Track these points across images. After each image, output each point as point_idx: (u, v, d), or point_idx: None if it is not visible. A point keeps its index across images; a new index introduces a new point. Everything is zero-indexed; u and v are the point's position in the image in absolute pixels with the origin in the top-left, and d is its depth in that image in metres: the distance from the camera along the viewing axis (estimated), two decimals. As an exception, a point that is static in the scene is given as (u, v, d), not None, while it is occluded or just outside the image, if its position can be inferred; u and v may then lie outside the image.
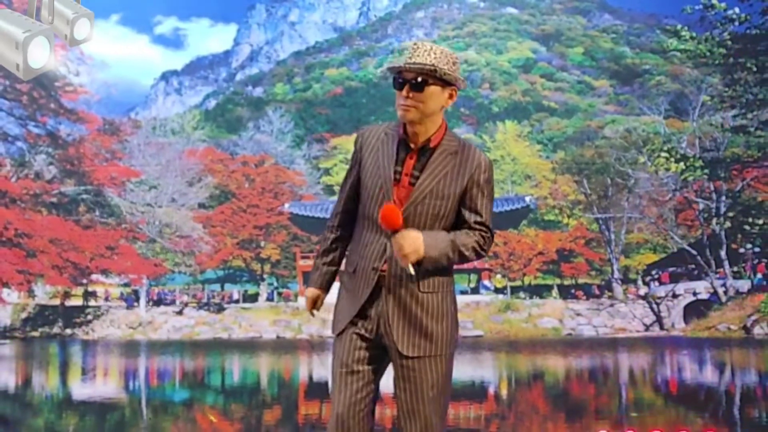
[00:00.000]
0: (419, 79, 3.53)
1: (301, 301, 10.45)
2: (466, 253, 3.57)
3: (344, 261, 3.88)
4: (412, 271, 3.50)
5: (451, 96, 3.65)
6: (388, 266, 3.70)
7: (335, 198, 4.00)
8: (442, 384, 3.79)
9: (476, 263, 10.91)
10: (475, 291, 13.63)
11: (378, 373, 3.81)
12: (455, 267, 3.80)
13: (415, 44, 3.55)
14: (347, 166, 3.80)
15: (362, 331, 3.74)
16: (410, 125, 3.60)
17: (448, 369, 3.82)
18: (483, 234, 3.65)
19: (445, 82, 3.58)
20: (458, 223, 3.68)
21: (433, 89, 3.54)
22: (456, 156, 3.62)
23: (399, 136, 3.67)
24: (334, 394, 3.77)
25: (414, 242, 3.47)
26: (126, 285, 13.24)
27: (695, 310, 11.25)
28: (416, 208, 3.62)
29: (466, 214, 3.65)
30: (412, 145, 3.64)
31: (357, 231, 3.79)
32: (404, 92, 3.51)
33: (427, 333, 3.62)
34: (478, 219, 3.63)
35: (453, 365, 3.84)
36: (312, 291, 3.76)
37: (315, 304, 3.75)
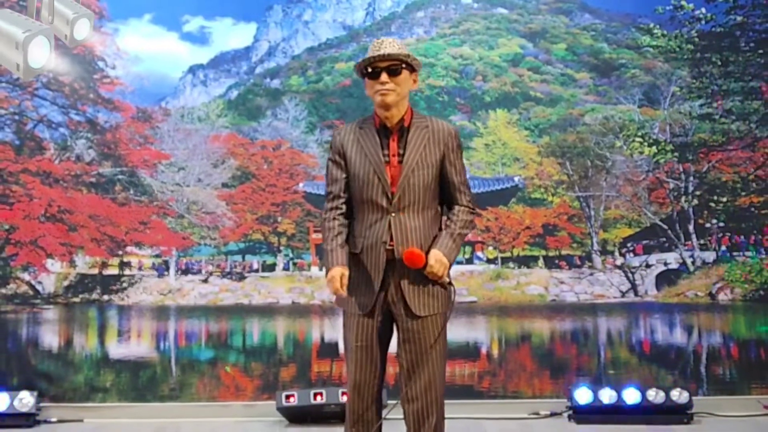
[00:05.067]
0: (395, 66, 3.77)
1: (314, 270, 10.52)
2: (467, 232, 3.90)
3: None
4: (447, 280, 3.81)
5: (414, 81, 3.91)
6: (394, 239, 3.78)
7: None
8: (442, 341, 3.86)
9: (470, 236, 10.99)
10: (469, 261, 13.48)
11: (388, 343, 3.90)
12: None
13: (379, 41, 3.80)
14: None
15: (369, 307, 3.84)
16: (387, 109, 3.79)
17: (445, 327, 3.89)
18: (468, 203, 3.95)
19: (411, 68, 3.85)
20: (443, 190, 3.96)
21: (405, 74, 3.79)
22: (428, 129, 3.86)
23: (375, 125, 3.85)
24: (352, 364, 3.86)
25: (441, 263, 3.74)
26: (157, 256, 13.14)
27: (666, 278, 11.18)
28: (409, 181, 3.76)
29: (451, 177, 3.91)
30: (390, 128, 3.84)
31: (356, 216, 3.93)
32: (382, 78, 3.72)
33: (432, 293, 3.82)
34: (461, 179, 3.93)
35: (447, 326, 3.93)
36: (338, 269, 3.84)
37: (342, 281, 3.79)
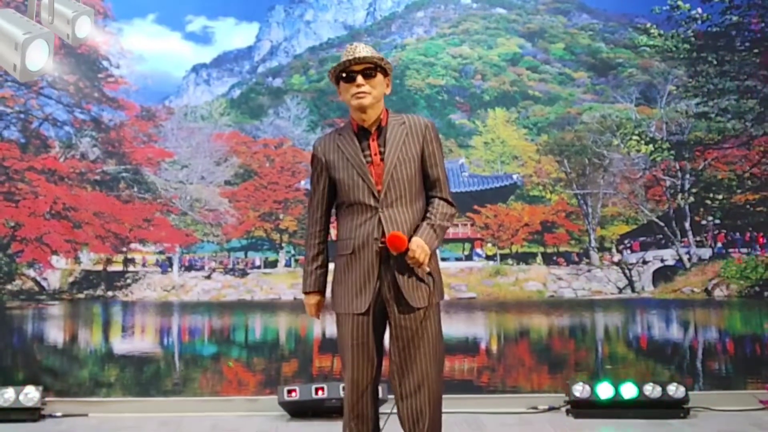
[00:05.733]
0: (369, 70, 3.82)
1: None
2: (447, 224, 3.88)
3: (337, 248, 4.05)
4: (428, 269, 3.76)
5: (388, 84, 3.95)
6: (386, 233, 3.80)
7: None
8: (435, 337, 3.86)
9: (470, 233, 11.00)
10: (468, 258, 13.26)
11: (382, 338, 3.90)
12: (451, 237, 3.91)
13: (352, 46, 3.85)
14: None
15: (366, 306, 3.85)
16: (363, 111, 3.83)
17: (439, 322, 3.90)
18: (447, 196, 3.97)
19: (384, 72, 3.90)
20: (426, 183, 3.97)
21: (379, 77, 3.84)
22: (405, 125, 3.90)
23: (353, 129, 3.93)
24: (348, 362, 3.86)
25: (422, 248, 3.71)
26: (161, 253, 12.91)
27: (663, 275, 11.12)
28: (393, 176, 3.78)
29: (429, 170, 3.93)
30: (368, 129, 3.88)
31: (344, 219, 4.01)
32: (358, 81, 3.77)
33: (425, 284, 3.81)
34: (440, 173, 3.96)
35: (441, 320, 3.96)
36: (313, 297, 3.98)
37: (318, 308, 4.00)
